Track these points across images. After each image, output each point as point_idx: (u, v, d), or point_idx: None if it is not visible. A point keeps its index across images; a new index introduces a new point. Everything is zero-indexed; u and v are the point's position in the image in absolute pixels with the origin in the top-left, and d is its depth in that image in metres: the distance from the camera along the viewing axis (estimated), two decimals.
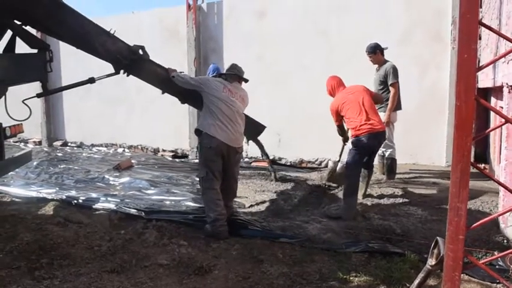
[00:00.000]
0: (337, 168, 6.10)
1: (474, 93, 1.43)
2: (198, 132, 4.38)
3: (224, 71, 5.10)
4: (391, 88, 5.92)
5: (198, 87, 4.39)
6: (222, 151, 4.24)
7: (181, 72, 4.84)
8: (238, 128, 4.38)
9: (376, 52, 6.07)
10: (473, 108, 1.46)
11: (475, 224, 1.57)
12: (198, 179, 5.29)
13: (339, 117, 5.18)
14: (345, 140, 5.70)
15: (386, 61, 6.08)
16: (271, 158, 7.44)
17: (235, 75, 4.59)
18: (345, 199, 4.88)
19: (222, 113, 4.23)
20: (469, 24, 1.43)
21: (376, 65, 6.22)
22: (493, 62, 1.47)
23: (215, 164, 4.27)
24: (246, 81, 4.70)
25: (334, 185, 6.05)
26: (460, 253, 1.60)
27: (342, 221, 4.53)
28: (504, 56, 1.44)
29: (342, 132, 5.52)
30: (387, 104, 5.90)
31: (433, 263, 1.84)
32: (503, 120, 1.57)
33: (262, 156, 6.85)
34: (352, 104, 4.98)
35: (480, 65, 5.51)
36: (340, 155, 6.10)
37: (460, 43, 1.42)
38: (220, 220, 4.21)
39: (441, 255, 1.71)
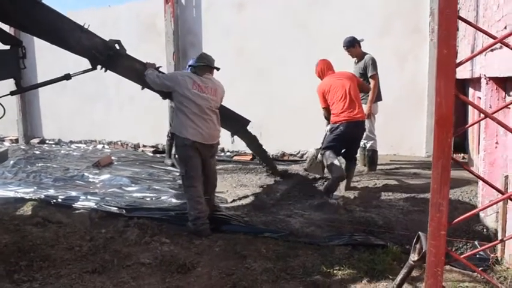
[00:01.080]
0: (318, 156, 5.98)
1: (454, 89, 1.42)
2: (172, 134, 4.34)
3: None
4: (371, 80, 5.96)
5: (166, 86, 4.29)
6: (197, 148, 4.20)
7: (159, 67, 4.78)
8: (211, 124, 4.28)
9: (354, 45, 6.08)
10: (453, 104, 1.45)
11: (456, 220, 1.57)
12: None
13: (325, 100, 5.28)
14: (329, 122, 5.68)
15: (365, 53, 6.11)
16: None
17: (205, 65, 4.35)
18: (329, 170, 5.20)
19: (192, 113, 4.14)
20: (448, 20, 1.41)
21: (355, 58, 6.23)
22: (473, 57, 1.47)
23: (193, 161, 4.23)
24: (218, 69, 4.48)
25: (315, 175, 6.02)
26: (442, 249, 1.60)
27: (325, 214, 4.54)
28: (483, 51, 1.43)
29: (328, 114, 5.47)
30: (367, 96, 5.94)
31: (416, 258, 1.84)
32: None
33: (256, 155, 6.74)
34: (337, 90, 5.12)
35: (459, 57, 5.59)
36: (323, 142, 6.05)
37: (439, 39, 1.40)
38: (202, 218, 4.18)
39: (423, 250, 1.72)
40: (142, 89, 4.86)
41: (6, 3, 3.92)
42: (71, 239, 4.05)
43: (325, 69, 5.41)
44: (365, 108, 5.76)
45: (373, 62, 5.96)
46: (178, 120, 4.26)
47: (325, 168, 5.51)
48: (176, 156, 4.49)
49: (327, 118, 5.56)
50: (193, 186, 4.24)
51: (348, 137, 5.16)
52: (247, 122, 5.95)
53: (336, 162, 5.07)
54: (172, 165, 7.41)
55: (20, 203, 5.27)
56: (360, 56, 6.14)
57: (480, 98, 4.23)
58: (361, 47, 6.14)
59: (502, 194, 1.81)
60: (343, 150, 5.34)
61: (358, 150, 5.59)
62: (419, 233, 1.82)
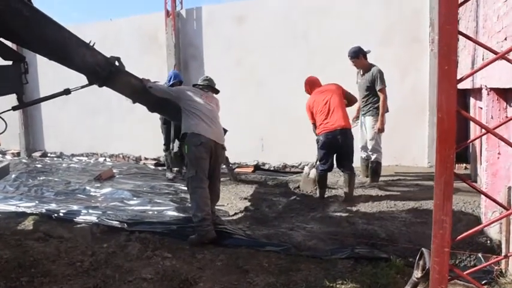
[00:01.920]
0: (310, 173, 6.13)
1: (456, 104, 1.42)
2: (183, 136, 4.47)
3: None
4: (380, 94, 5.87)
5: (176, 97, 4.58)
6: (210, 147, 4.37)
7: (155, 82, 4.89)
8: (219, 126, 4.59)
9: (359, 56, 5.96)
10: (455, 120, 1.45)
11: (459, 237, 1.55)
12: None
13: (312, 116, 5.58)
14: None
15: (372, 65, 5.99)
16: (255, 163, 7.40)
17: (208, 86, 4.81)
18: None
19: (203, 114, 4.41)
20: (448, 36, 1.41)
21: (360, 70, 6.17)
22: (474, 73, 1.46)
23: (204, 162, 4.37)
24: (217, 92, 4.95)
25: (308, 191, 6.06)
26: (445, 266, 1.58)
27: (327, 227, 4.52)
28: (484, 66, 1.42)
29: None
30: (374, 109, 5.95)
31: (419, 275, 1.82)
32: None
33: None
34: (318, 103, 5.43)
35: (459, 68, 5.57)
36: (316, 160, 6.02)
37: (440, 55, 1.40)
38: (208, 220, 4.22)
39: (427, 267, 1.70)
40: (134, 103, 5.04)
41: (18, 25, 3.85)
42: (72, 254, 4.03)
43: (311, 86, 5.72)
44: (371, 120, 5.96)
45: (381, 75, 5.83)
46: (190, 121, 4.42)
47: (315, 184, 5.90)
48: (186, 159, 4.59)
49: (316, 133, 5.72)
50: (201, 188, 4.33)
51: (331, 146, 5.38)
52: (225, 131, 5.97)
53: (322, 192, 5.66)
54: (174, 178, 7.40)
55: (22, 217, 5.25)
56: (365, 67, 6.03)
57: (481, 108, 4.22)
58: (366, 58, 6.03)
59: (505, 209, 1.80)
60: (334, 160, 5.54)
61: (352, 159, 5.54)
62: (423, 249, 1.80)
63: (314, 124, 5.67)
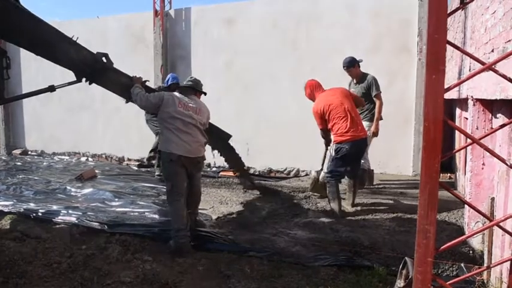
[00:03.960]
0: (320, 178, 5.96)
1: (443, 114, 1.40)
2: (159, 152, 4.34)
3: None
4: (376, 99, 6.04)
5: (153, 106, 4.36)
6: (182, 162, 4.24)
7: (146, 81, 4.79)
8: (195, 138, 4.37)
9: (354, 65, 6.09)
10: (441, 130, 1.43)
11: (443, 247, 1.54)
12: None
13: (323, 121, 5.17)
14: (328, 143, 5.58)
15: (365, 74, 6.16)
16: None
17: (190, 88, 4.53)
18: (330, 204, 5.22)
19: (176, 128, 4.24)
20: (437, 45, 1.40)
21: (353, 79, 6.25)
22: (461, 83, 1.45)
23: (179, 176, 4.27)
24: (205, 94, 4.70)
25: (317, 194, 5.98)
26: (428, 275, 1.57)
27: (310, 233, 4.49)
28: (472, 77, 1.41)
29: (326, 135, 5.42)
30: (370, 115, 6.08)
31: (402, 284, 1.80)
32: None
33: (235, 170, 6.72)
34: (337, 108, 5.01)
35: (446, 77, 5.61)
36: (323, 164, 5.98)
37: (428, 64, 1.38)
38: (183, 230, 4.16)
39: (410, 276, 1.68)
40: (127, 102, 4.84)
41: None
42: (50, 255, 3.94)
43: (314, 89, 5.34)
44: (366, 126, 5.79)
45: (376, 81, 6.05)
46: (163, 138, 4.34)
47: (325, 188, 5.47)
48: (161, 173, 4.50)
49: (324, 138, 5.48)
50: (177, 201, 4.26)
51: (353, 156, 5.11)
52: (229, 136, 5.90)
53: (336, 202, 5.13)
54: (160, 176, 7.32)
55: None
56: (359, 76, 6.17)
57: (467, 118, 4.25)
58: (360, 67, 6.15)
59: (489, 219, 1.79)
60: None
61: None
62: (406, 258, 1.78)
63: (323, 130, 5.31)
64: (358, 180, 5.97)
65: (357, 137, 4.98)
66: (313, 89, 5.35)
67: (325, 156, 5.85)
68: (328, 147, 5.65)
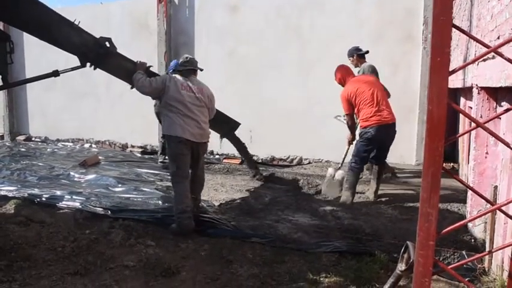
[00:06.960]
0: (336, 175, 5.66)
1: (447, 97, 1.39)
2: (164, 137, 4.44)
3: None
4: None
5: (156, 90, 4.36)
6: (188, 145, 4.30)
7: (149, 67, 4.77)
8: (202, 123, 4.40)
9: (353, 55, 5.90)
10: (445, 113, 1.42)
11: (445, 230, 1.53)
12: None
13: (350, 106, 5.12)
14: (352, 137, 5.48)
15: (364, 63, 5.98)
16: None
17: (190, 69, 4.51)
18: (343, 192, 5.15)
19: (181, 112, 4.27)
20: (442, 27, 1.38)
21: (359, 68, 6.16)
22: (467, 65, 1.44)
23: (184, 158, 4.33)
24: (201, 70, 4.63)
25: (334, 196, 5.45)
26: (430, 259, 1.56)
27: (313, 220, 4.51)
28: (477, 60, 1.40)
29: (352, 123, 5.35)
30: None
31: (403, 268, 1.81)
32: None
33: (242, 156, 6.70)
34: (364, 93, 4.98)
35: (451, 67, 5.57)
36: (343, 160, 5.80)
37: (432, 46, 1.37)
38: (187, 212, 4.20)
39: (411, 260, 1.68)
40: (132, 88, 4.81)
41: None
42: (54, 240, 3.97)
43: (345, 74, 5.30)
44: None
45: (369, 68, 5.82)
46: (168, 121, 4.35)
47: (341, 188, 5.35)
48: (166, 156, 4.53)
49: (350, 127, 5.40)
50: (181, 183, 4.32)
51: (378, 141, 5.03)
52: (237, 124, 5.90)
53: (350, 192, 5.09)
54: (163, 163, 7.34)
55: (3, 201, 5.14)
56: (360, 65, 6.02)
57: (471, 107, 4.23)
58: (364, 58, 5.96)
59: (491, 204, 1.79)
60: (372, 155, 5.20)
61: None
62: (407, 242, 1.78)
63: (349, 115, 5.24)
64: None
65: (383, 121, 4.91)
66: (345, 74, 5.29)
67: (346, 154, 5.74)
68: (351, 145, 5.53)
